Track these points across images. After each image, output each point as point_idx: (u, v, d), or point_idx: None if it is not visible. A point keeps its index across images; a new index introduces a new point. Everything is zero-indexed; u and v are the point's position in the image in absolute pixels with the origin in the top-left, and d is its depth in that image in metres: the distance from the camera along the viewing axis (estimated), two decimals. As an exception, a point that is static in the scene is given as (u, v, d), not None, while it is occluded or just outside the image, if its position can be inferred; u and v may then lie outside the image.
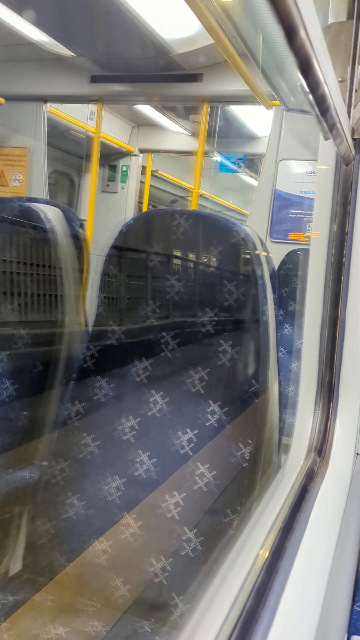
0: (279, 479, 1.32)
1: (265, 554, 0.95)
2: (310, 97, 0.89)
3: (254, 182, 9.56)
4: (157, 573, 2.03)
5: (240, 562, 0.95)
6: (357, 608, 0.95)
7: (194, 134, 8.29)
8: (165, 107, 7.93)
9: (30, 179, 6.76)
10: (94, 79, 6.51)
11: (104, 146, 7.74)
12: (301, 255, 3.36)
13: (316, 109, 0.96)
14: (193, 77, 6.14)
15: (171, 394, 2.44)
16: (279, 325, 3.06)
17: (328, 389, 1.46)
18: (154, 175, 9.48)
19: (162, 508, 1.84)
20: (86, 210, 7.52)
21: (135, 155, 9.01)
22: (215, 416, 2.18)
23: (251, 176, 9.88)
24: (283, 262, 3.52)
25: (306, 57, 0.74)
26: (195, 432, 2.31)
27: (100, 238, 6.52)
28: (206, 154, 7.68)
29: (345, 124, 1.17)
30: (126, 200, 8.91)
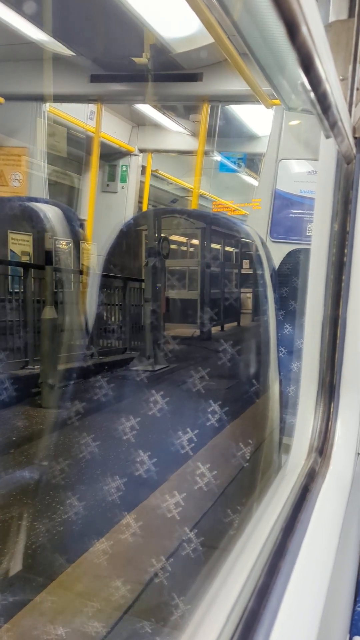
0: (280, 479, 1.31)
1: (266, 554, 0.94)
2: (312, 94, 0.88)
3: (254, 182, 9.56)
4: (158, 573, 2.02)
5: (242, 563, 0.94)
6: (359, 609, 0.95)
7: (194, 134, 8.29)
8: (165, 107, 7.93)
9: (29, 179, 6.74)
10: (94, 79, 6.50)
11: (103, 146, 7.74)
12: (302, 255, 3.35)
13: (317, 107, 0.96)
14: (193, 77, 6.13)
15: (171, 394, 2.43)
16: (280, 325, 3.06)
17: (329, 389, 1.46)
18: (154, 175, 9.47)
19: (162, 508, 1.84)
20: (86, 210, 7.52)
21: (135, 155, 9.00)
22: (216, 416, 2.17)
23: (251, 176, 9.87)
24: (283, 262, 3.51)
25: (308, 54, 0.73)
26: (195, 431, 2.30)
27: (100, 238, 6.45)
28: (206, 153, 7.68)
29: (346, 123, 1.16)
30: (126, 200, 8.90)
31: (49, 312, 4.76)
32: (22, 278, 5.37)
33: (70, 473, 2.67)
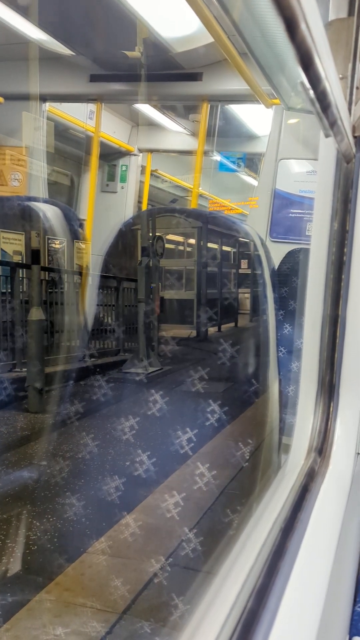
0: (280, 479, 1.31)
1: (265, 554, 0.94)
2: (311, 93, 0.88)
3: (254, 182, 9.56)
4: (157, 573, 2.02)
5: (241, 563, 0.94)
6: (358, 609, 0.94)
7: (194, 134, 8.28)
8: (165, 107, 7.92)
9: (29, 179, 6.73)
10: (93, 78, 6.49)
11: (103, 146, 7.73)
12: (301, 254, 3.35)
13: (317, 106, 0.95)
14: (193, 76, 6.12)
15: (166, 397, 2.42)
16: (279, 324, 3.06)
17: (328, 388, 1.45)
18: (153, 175, 9.46)
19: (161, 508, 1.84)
20: (86, 210, 7.51)
21: (135, 155, 9.00)
22: (215, 415, 2.17)
23: (250, 175, 9.87)
24: (283, 262, 3.51)
25: (307, 52, 0.73)
26: (195, 431, 2.29)
27: (100, 237, 6.42)
28: (206, 153, 7.67)
29: (346, 121, 1.16)
30: (125, 199, 8.90)
31: (35, 314, 4.62)
32: (11, 278, 5.30)
33: (51, 485, 2.65)
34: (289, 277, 3.23)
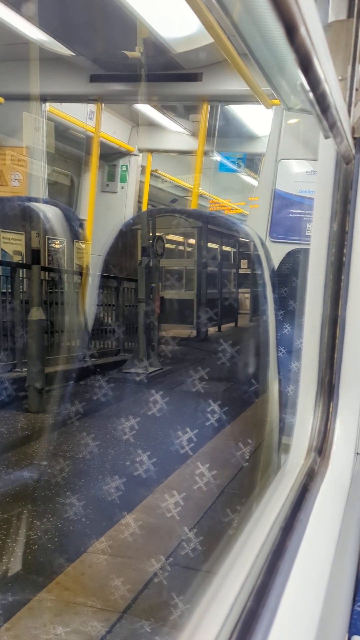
0: (279, 479, 1.31)
1: (265, 553, 0.94)
2: (311, 95, 0.88)
3: (254, 182, 9.57)
4: (157, 573, 2.03)
5: (241, 562, 0.94)
6: (358, 608, 0.95)
7: (194, 134, 8.29)
8: (165, 107, 7.93)
9: (29, 179, 6.73)
10: (93, 78, 6.49)
11: (103, 146, 7.73)
12: (301, 255, 3.36)
13: (316, 107, 0.96)
14: (193, 77, 6.12)
15: (166, 397, 2.43)
16: (279, 324, 3.06)
17: (328, 388, 1.46)
18: (153, 175, 9.47)
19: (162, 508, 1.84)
20: (86, 210, 7.51)
21: (135, 155, 9.00)
22: (215, 415, 2.17)
23: (250, 176, 9.87)
24: (283, 262, 3.52)
25: (306, 54, 0.73)
26: (195, 431, 2.30)
27: (100, 238, 6.42)
28: (206, 153, 7.68)
29: (345, 123, 1.16)
30: (126, 200, 8.90)
31: (35, 314, 4.61)
32: (11, 278, 5.31)
33: (51, 485, 2.66)
34: (288, 277, 3.24)
